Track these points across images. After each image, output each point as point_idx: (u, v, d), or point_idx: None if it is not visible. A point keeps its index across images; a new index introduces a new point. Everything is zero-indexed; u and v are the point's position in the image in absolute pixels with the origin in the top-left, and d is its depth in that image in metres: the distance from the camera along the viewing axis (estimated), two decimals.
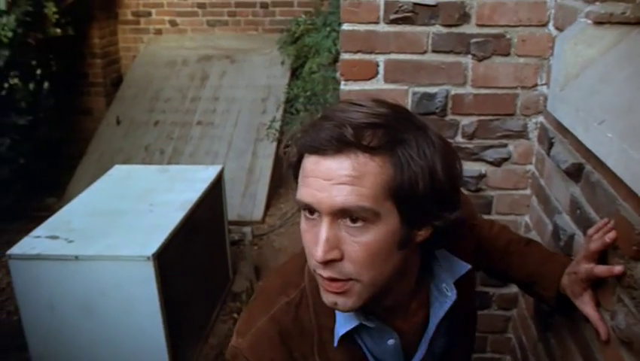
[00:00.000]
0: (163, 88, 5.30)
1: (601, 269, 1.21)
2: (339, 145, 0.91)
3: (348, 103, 0.99)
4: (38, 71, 5.04)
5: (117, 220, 2.77)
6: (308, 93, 4.06)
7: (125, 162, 4.63)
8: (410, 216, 0.97)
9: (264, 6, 5.58)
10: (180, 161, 4.74)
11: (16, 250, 2.62)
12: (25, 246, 2.64)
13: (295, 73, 4.94)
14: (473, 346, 1.38)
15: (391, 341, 1.12)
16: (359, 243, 0.95)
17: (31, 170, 4.67)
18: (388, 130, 0.94)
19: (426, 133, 0.99)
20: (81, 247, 2.56)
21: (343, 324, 1.08)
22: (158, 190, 3.07)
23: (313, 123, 0.97)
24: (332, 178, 0.92)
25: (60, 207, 4.72)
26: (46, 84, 5.08)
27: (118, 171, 3.43)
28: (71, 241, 2.62)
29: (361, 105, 0.97)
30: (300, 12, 5.37)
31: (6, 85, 4.61)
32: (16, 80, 4.71)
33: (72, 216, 2.86)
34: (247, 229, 4.09)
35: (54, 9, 4.53)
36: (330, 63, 4.24)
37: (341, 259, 0.95)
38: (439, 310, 1.12)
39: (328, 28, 4.39)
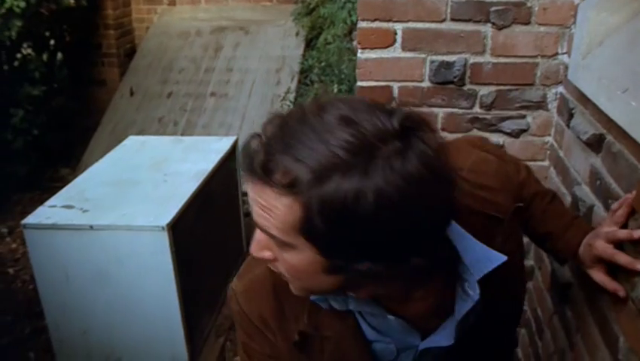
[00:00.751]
0: (177, 59, 5.28)
1: (622, 233, 1.18)
2: (254, 172, 0.82)
3: (311, 127, 0.80)
4: (52, 42, 5.05)
5: (132, 190, 2.78)
6: (322, 64, 4.03)
7: (139, 133, 4.63)
8: (333, 255, 0.84)
9: None
10: (193, 133, 4.74)
11: (31, 219, 2.63)
12: (41, 215, 2.65)
13: (310, 44, 4.91)
14: (518, 317, 1.27)
15: (391, 317, 1.04)
16: (282, 258, 0.89)
17: (45, 141, 4.69)
18: (311, 170, 0.77)
19: (389, 168, 0.76)
20: (96, 217, 2.57)
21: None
22: (172, 161, 3.07)
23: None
24: (253, 197, 0.85)
25: (74, 177, 4.76)
26: (59, 55, 5.08)
27: (132, 141, 3.44)
28: (85, 211, 2.63)
29: (306, 131, 0.80)
30: None
31: (19, 55, 4.62)
32: (29, 51, 4.72)
33: (87, 186, 2.87)
34: None
35: None
36: (345, 34, 4.21)
37: (275, 259, 0.91)
38: (462, 307, 1.02)
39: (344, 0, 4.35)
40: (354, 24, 4.19)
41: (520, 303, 1.26)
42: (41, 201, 4.53)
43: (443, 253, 0.91)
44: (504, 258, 0.99)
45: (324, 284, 0.91)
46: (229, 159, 3.20)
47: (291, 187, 0.78)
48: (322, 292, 0.99)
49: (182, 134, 4.70)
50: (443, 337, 1.05)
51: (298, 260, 0.87)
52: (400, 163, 0.76)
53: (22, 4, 3.95)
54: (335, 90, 3.91)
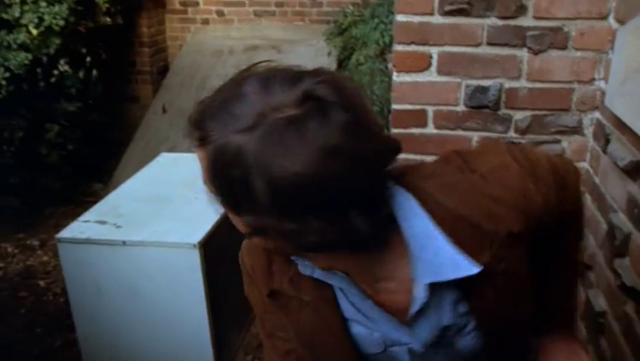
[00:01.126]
0: (209, 77, 5.34)
1: None
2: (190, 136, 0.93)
3: (229, 95, 0.89)
4: (88, 59, 5.15)
5: (164, 207, 2.82)
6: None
7: (170, 150, 4.69)
8: (240, 211, 0.91)
9: None
10: None
11: (65, 233, 2.68)
12: (75, 230, 2.69)
13: (342, 64, 4.93)
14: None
15: (369, 301, 1.05)
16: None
17: (79, 156, 4.77)
18: (217, 129, 0.86)
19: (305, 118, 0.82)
20: (129, 233, 2.60)
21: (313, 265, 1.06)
22: None
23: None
24: None
25: (106, 193, 4.82)
26: (94, 72, 5.18)
27: (165, 158, 3.48)
28: (119, 227, 2.67)
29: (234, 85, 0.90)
30: (347, 3, 5.34)
31: (56, 72, 4.73)
32: (66, 68, 4.82)
33: (120, 202, 2.91)
34: None
35: None
36: (378, 55, 4.22)
37: None
38: (412, 308, 1.03)
39: (376, 20, 4.37)
40: (386, 45, 4.20)
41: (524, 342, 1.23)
42: (74, 215, 4.62)
43: (364, 226, 0.87)
44: (476, 269, 0.97)
45: (268, 245, 1.00)
46: None
47: (202, 140, 0.88)
48: (276, 252, 1.06)
49: None
50: (414, 338, 1.08)
51: (232, 219, 0.95)
52: (283, 129, 0.81)
53: (61, 23, 4.04)
54: None
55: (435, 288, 1.01)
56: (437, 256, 0.98)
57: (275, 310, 1.14)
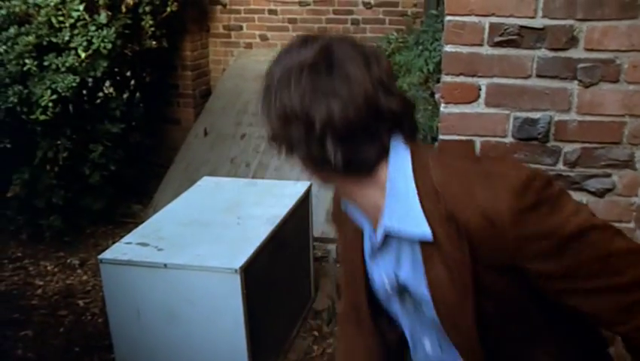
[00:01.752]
0: (251, 101, 5.41)
1: None
2: None
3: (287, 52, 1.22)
4: (132, 81, 5.28)
5: (206, 231, 2.86)
6: None
7: (211, 173, 4.75)
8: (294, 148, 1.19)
9: (355, 22, 5.63)
10: (265, 174, 4.82)
11: (107, 254, 2.74)
12: (117, 251, 2.75)
13: None
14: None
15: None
16: None
17: (120, 176, 4.88)
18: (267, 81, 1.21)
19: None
20: (170, 256, 2.65)
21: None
22: (246, 203, 3.14)
23: None
24: None
25: (146, 214, 4.91)
26: (138, 94, 5.31)
27: (206, 182, 3.54)
28: (160, 249, 2.72)
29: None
30: (391, 29, 5.38)
31: (101, 94, 4.86)
32: (111, 90, 4.95)
33: (162, 225, 2.97)
34: (331, 247, 4.12)
35: (151, 22, 4.72)
36: (422, 83, 4.23)
37: None
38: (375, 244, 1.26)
39: (420, 47, 4.38)
40: (430, 73, 4.21)
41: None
42: (113, 236, 4.73)
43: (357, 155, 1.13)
44: (429, 236, 1.10)
45: (320, 181, 1.26)
46: (302, 204, 3.25)
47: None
48: (331, 187, 1.33)
49: (254, 176, 4.80)
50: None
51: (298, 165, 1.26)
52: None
53: (109, 46, 4.14)
54: None
55: (394, 239, 1.19)
56: (403, 210, 1.13)
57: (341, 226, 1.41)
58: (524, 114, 1.97)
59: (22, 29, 4.00)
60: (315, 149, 1.12)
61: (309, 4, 5.71)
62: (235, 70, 5.79)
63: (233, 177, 4.63)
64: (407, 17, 5.39)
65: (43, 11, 4.01)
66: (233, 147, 5.15)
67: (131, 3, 4.53)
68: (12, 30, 3.96)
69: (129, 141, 4.87)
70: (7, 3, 4.00)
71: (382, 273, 1.27)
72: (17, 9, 3.99)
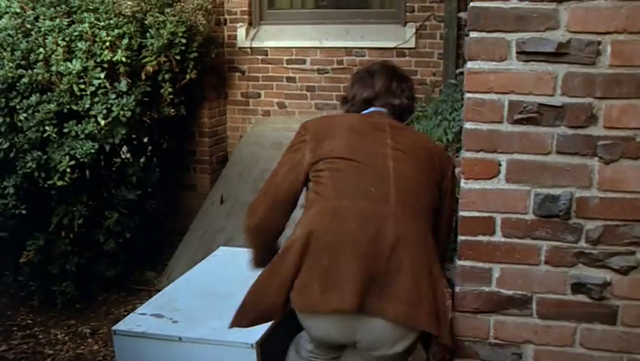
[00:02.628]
0: (268, 169, 5.43)
1: None
2: None
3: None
4: (149, 147, 5.39)
5: (222, 303, 2.87)
6: None
7: (227, 241, 4.80)
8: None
9: None
10: (281, 243, 4.85)
11: (121, 326, 2.77)
12: (131, 323, 2.78)
13: None
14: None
15: None
16: None
17: (134, 243, 4.92)
18: None
19: None
20: (185, 329, 2.67)
21: None
22: None
23: None
24: None
25: (160, 282, 4.94)
26: (155, 160, 5.41)
27: (223, 252, 3.58)
28: (175, 322, 2.74)
29: None
30: None
31: (118, 160, 4.96)
32: (128, 155, 5.06)
33: (178, 296, 3.00)
34: None
35: (170, 89, 4.86)
36: None
37: None
38: None
39: (439, 117, 4.47)
40: (449, 143, 4.28)
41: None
42: (126, 303, 4.75)
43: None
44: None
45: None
46: None
47: None
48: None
49: None
50: None
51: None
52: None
53: (128, 114, 4.26)
54: None
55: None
56: None
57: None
58: (545, 191, 2.00)
59: (44, 97, 4.13)
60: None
61: (327, 72, 5.86)
62: (252, 137, 5.90)
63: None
64: (426, 86, 5.50)
65: (65, 79, 4.15)
66: None
67: (151, 71, 4.68)
68: (34, 98, 4.09)
69: (145, 207, 4.94)
70: (29, 71, 4.15)
71: None
72: (40, 77, 4.13)
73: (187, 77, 5.07)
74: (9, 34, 4.25)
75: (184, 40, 4.82)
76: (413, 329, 2.16)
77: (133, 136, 5.05)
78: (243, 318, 2.32)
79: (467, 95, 2.00)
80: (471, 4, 1.97)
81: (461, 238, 2.08)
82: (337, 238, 2.15)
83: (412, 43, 5.61)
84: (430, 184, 2.32)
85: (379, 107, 2.50)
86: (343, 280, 2.09)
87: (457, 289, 2.14)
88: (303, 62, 5.91)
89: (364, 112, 2.52)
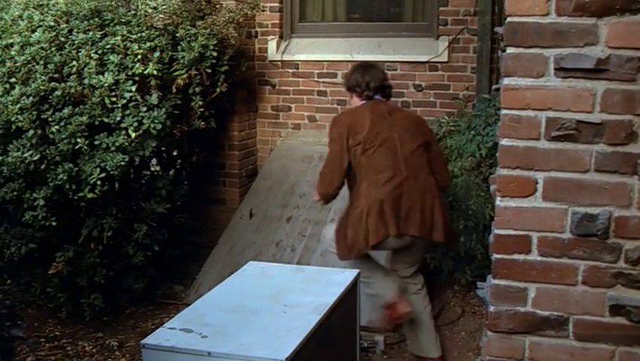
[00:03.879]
0: (298, 183, 5.51)
1: None
2: None
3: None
4: (179, 161, 5.45)
5: (251, 319, 2.89)
6: (450, 199, 4.11)
7: (255, 256, 4.82)
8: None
9: (405, 105, 5.74)
10: (310, 260, 4.87)
11: (150, 340, 2.79)
12: (160, 337, 2.80)
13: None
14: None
15: None
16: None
17: (163, 256, 4.97)
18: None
19: None
20: (214, 344, 2.68)
21: None
22: (293, 291, 3.18)
23: None
24: None
25: (187, 295, 4.98)
26: (184, 173, 5.46)
27: (252, 267, 3.60)
28: (204, 337, 2.76)
29: None
30: (442, 113, 5.50)
31: (147, 172, 5.02)
32: (157, 168, 5.12)
33: (207, 310, 3.02)
34: (379, 338, 4.11)
35: (200, 102, 4.91)
36: (474, 168, 4.30)
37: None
38: None
39: (472, 132, 4.47)
40: (483, 158, 4.28)
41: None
42: (153, 317, 4.80)
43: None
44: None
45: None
46: (350, 293, 3.27)
47: None
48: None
49: (299, 261, 4.85)
50: None
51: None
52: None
53: (159, 127, 4.32)
54: (461, 227, 3.96)
55: None
56: None
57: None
58: (583, 209, 1.99)
59: (77, 110, 4.21)
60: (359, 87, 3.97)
61: None
62: (282, 150, 5.93)
63: (278, 262, 4.74)
64: (459, 101, 5.50)
65: (97, 92, 4.23)
66: (278, 230, 5.22)
67: (181, 84, 4.74)
68: (66, 110, 4.17)
69: (174, 221, 4.98)
70: (62, 84, 4.23)
71: None
72: (72, 90, 4.21)
73: (218, 90, 5.12)
74: (42, 48, 4.34)
75: (215, 54, 4.87)
76: (422, 238, 3.75)
77: (163, 149, 5.11)
78: (348, 254, 3.83)
79: (504, 111, 2.00)
80: (508, 19, 1.98)
81: (496, 256, 2.08)
82: (380, 198, 3.66)
83: (444, 57, 5.61)
84: (422, 146, 3.82)
85: (380, 95, 3.98)
86: (388, 222, 3.63)
87: (491, 308, 2.13)
88: (334, 75, 5.95)
89: (369, 101, 3.95)
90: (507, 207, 2.03)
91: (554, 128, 1.97)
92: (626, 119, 1.93)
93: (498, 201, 2.04)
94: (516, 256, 2.06)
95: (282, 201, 5.44)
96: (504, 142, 2.01)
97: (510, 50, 1.98)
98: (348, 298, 3.27)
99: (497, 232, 2.05)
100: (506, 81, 2.00)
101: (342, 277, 3.36)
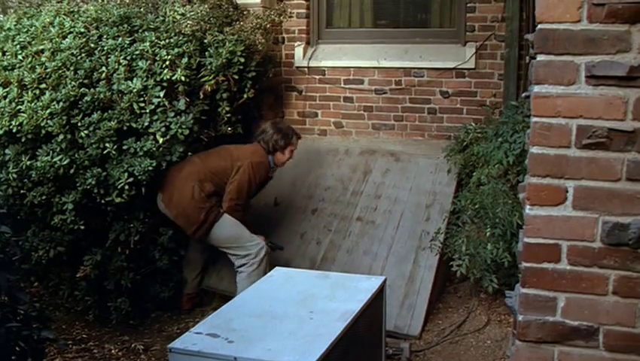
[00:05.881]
0: (324, 176, 5.47)
1: None
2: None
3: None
4: None
5: (278, 324, 2.90)
6: (477, 206, 4.08)
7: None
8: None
9: (432, 112, 5.74)
10: (336, 256, 4.86)
11: (177, 344, 2.81)
12: (187, 341, 2.82)
13: (461, 182, 4.99)
14: None
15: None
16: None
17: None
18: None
19: None
20: (241, 349, 2.70)
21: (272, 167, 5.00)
22: (319, 297, 3.18)
23: None
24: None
25: (211, 300, 4.99)
26: None
27: (278, 272, 3.61)
28: (231, 342, 2.77)
29: None
30: (469, 120, 5.47)
31: None
32: None
33: (233, 316, 3.03)
34: (405, 345, 4.09)
35: (227, 108, 4.94)
36: (501, 175, 4.26)
37: None
38: None
39: (500, 139, 4.43)
40: (510, 165, 4.25)
41: None
42: (179, 321, 4.83)
43: None
44: None
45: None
46: (376, 300, 3.27)
47: None
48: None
49: (324, 255, 4.86)
50: None
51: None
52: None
53: (186, 132, 4.35)
54: (488, 235, 3.93)
55: None
56: None
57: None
58: (614, 219, 1.97)
59: (105, 115, 4.26)
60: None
61: (385, 93, 5.88)
62: (307, 145, 5.88)
63: (303, 255, 4.93)
64: (486, 107, 5.47)
65: (126, 97, 4.28)
66: (303, 222, 5.23)
67: (209, 89, 4.77)
68: (95, 115, 4.22)
69: None
70: (91, 90, 4.28)
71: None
72: (102, 95, 4.26)
73: (245, 95, 5.14)
74: (72, 54, 4.40)
75: (242, 60, 4.90)
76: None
77: (190, 154, 5.14)
78: None
79: (534, 119, 1.99)
80: (539, 25, 1.96)
81: (525, 265, 2.06)
82: None
83: (472, 64, 5.60)
84: None
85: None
86: None
87: (520, 318, 2.11)
88: (361, 82, 5.96)
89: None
90: (537, 215, 2.01)
91: (585, 136, 1.95)
92: None
93: (528, 210, 2.02)
94: (545, 265, 2.04)
95: (307, 192, 5.42)
96: (534, 150, 1.99)
97: (540, 57, 1.97)
98: (375, 305, 3.26)
99: (526, 240, 2.04)
100: (536, 89, 1.98)
101: (369, 283, 3.35)
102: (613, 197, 1.96)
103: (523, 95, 4.56)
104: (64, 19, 4.75)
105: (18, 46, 4.62)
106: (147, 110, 4.32)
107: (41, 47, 4.53)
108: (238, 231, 4.66)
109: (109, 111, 4.31)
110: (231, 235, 4.67)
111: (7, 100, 4.29)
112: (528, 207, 2.02)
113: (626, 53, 1.89)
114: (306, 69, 6.12)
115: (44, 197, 4.25)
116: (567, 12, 1.92)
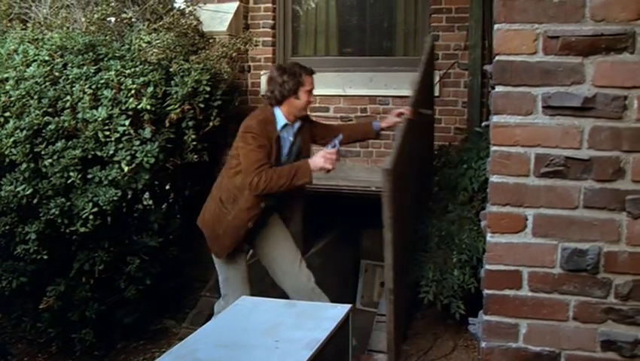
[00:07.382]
0: None
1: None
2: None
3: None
4: (171, 194, 5.46)
5: (243, 355, 2.88)
6: (443, 233, 4.12)
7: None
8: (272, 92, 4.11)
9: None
10: None
11: None
12: None
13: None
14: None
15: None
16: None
17: (155, 290, 4.95)
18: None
19: None
20: None
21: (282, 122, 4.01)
22: (285, 326, 3.17)
23: None
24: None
25: (179, 330, 4.94)
26: (177, 207, 5.46)
27: (244, 302, 3.59)
28: None
29: None
30: (434, 146, 5.55)
31: (140, 206, 5.02)
32: (150, 202, 5.12)
33: (199, 346, 3.00)
34: None
35: (193, 136, 4.94)
36: (466, 202, 4.31)
37: None
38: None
39: (465, 165, 4.49)
40: (475, 192, 4.30)
41: None
42: (145, 352, 4.77)
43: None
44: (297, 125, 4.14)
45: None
46: (342, 328, 3.27)
47: None
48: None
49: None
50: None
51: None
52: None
53: (152, 160, 4.34)
54: (454, 260, 3.96)
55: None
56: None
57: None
58: (572, 245, 2.01)
59: (70, 143, 4.23)
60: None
61: (351, 120, 5.94)
62: None
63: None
64: (451, 134, 5.54)
65: (91, 126, 4.26)
66: None
67: (175, 118, 4.78)
68: (59, 144, 4.20)
69: (166, 254, 4.98)
70: (56, 118, 4.26)
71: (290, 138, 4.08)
72: (66, 124, 4.24)
73: (211, 124, 5.15)
74: (37, 82, 4.38)
75: (208, 88, 4.92)
76: None
77: (156, 182, 5.12)
78: None
79: (494, 148, 2.04)
80: (497, 57, 2.02)
81: (487, 292, 2.09)
82: None
83: (436, 92, 5.67)
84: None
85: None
86: None
87: (483, 344, 2.13)
88: (327, 109, 6.00)
89: None
90: (498, 242, 2.05)
91: (543, 164, 2.00)
92: (614, 155, 1.96)
93: (489, 237, 2.06)
94: (507, 292, 2.07)
95: None
96: (494, 178, 2.04)
97: (499, 89, 2.02)
98: (341, 333, 3.26)
99: (488, 267, 2.07)
100: (495, 119, 2.03)
101: (335, 312, 3.35)
102: (571, 224, 2.01)
103: (483, 124, 4.64)
104: (28, 46, 4.73)
105: None
106: (113, 139, 4.31)
107: (6, 75, 4.50)
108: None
109: (74, 140, 4.29)
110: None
111: None
112: (489, 234, 2.06)
113: (580, 84, 1.95)
114: None
115: (7, 227, 4.20)
116: (523, 44, 1.98)
